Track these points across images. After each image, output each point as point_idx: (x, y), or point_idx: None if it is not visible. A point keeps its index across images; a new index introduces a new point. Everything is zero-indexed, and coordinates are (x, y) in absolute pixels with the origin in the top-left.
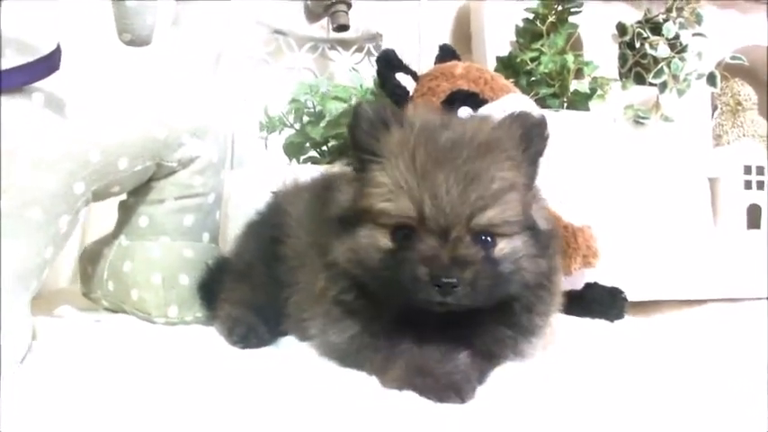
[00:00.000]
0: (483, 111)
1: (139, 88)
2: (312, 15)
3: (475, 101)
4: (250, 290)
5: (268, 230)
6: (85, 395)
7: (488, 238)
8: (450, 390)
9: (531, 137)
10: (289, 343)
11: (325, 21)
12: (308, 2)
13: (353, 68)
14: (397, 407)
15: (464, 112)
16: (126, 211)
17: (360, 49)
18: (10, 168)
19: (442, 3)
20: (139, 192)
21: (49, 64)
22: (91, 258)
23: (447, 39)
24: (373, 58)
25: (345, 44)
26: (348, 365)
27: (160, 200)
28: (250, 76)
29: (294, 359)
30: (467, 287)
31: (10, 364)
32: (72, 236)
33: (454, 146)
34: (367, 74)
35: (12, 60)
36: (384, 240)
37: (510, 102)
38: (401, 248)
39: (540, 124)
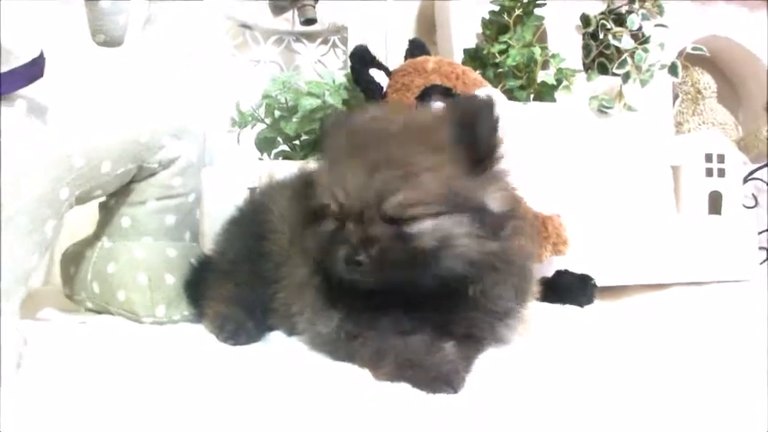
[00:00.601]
0: None
1: (117, 90)
2: (277, 9)
3: (448, 95)
4: (236, 287)
5: (251, 227)
6: (81, 398)
7: (402, 219)
8: (442, 381)
9: (470, 119)
10: (277, 338)
11: (290, 14)
12: None
13: (319, 61)
14: (391, 398)
15: (438, 107)
16: (107, 213)
17: (325, 42)
18: None
19: None
20: (121, 193)
21: (32, 71)
22: (73, 260)
23: (412, 30)
24: (338, 51)
25: (311, 37)
26: (339, 358)
27: (141, 201)
28: (218, 69)
29: (285, 354)
30: (374, 264)
31: (9, 371)
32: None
33: (370, 136)
34: (333, 66)
35: None
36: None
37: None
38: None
39: (484, 106)
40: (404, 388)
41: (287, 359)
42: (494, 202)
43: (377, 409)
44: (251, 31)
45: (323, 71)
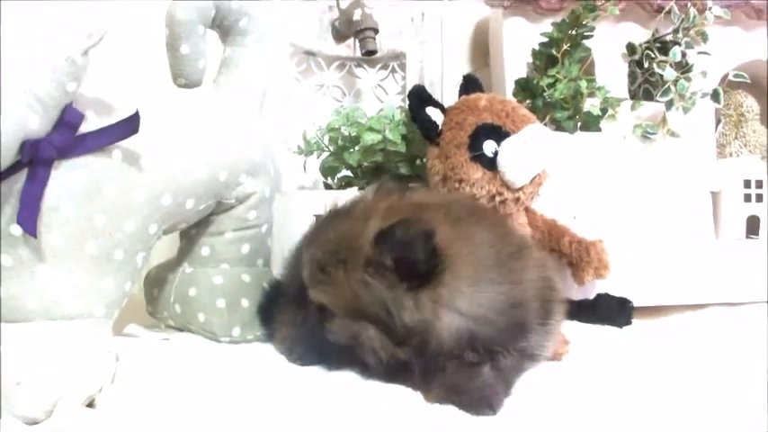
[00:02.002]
0: (505, 143)
1: (199, 133)
2: (340, 36)
3: (498, 134)
4: (302, 312)
5: None
6: (168, 408)
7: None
8: (483, 404)
9: (405, 248)
10: None
11: (351, 40)
12: (336, 23)
13: (379, 85)
14: (439, 418)
15: (489, 145)
16: (188, 241)
17: (384, 67)
18: (97, 218)
19: (462, 19)
20: (201, 224)
21: (129, 127)
22: (155, 282)
23: (466, 53)
24: (397, 76)
25: (371, 62)
26: (391, 382)
27: (219, 232)
28: (284, 95)
29: (346, 374)
30: (306, 337)
31: (104, 385)
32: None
33: (331, 226)
34: (391, 90)
35: (92, 123)
36: None
37: (529, 133)
38: None
39: (418, 236)
40: (451, 410)
41: (347, 379)
42: (406, 318)
43: (428, 427)
44: (314, 58)
45: (384, 101)
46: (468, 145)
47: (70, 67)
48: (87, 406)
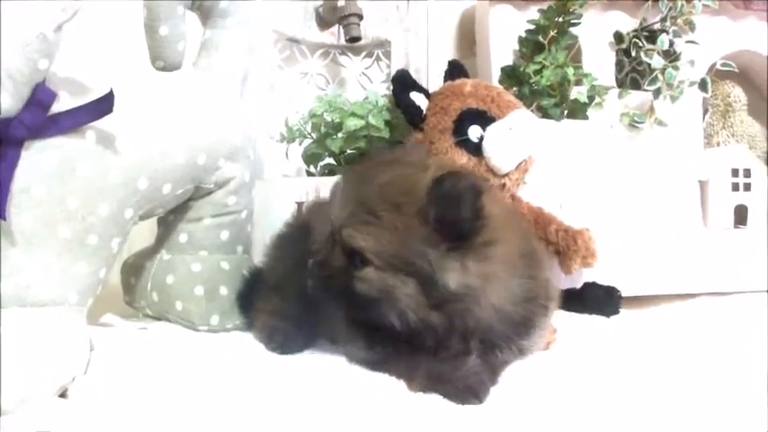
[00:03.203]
0: (490, 129)
1: (177, 115)
2: (324, 23)
3: (484, 119)
4: (282, 301)
5: (296, 244)
6: (144, 398)
7: (357, 257)
8: (469, 393)
9: (452, 202)
10: (321, 348)
11: (335, 28)
12: (320, 10)
13: (364, 73)
14: (425, 407)
15: (475, 131)
16: (166, 228)
17: (369, 55)
18: (70, 200)
19: (448, 7)
20: (178, 210)
21: (103, 107)
22: (133, 270)
23: (452, 42)
24: (382, 64)
25: (355, 50)
26: (374, 370)
27: (198, 218)
28: (267, 82)
29: (327, 363)
30: (316, 281)
31: (77, 375)
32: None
33: (371, 174)
34: (376, 78)
35: (65, 103)
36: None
37: (515, 119)
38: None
39: (467, 191)
40: (435, 398)
41: (328, 368)
42: (451, 281)
43: (413, 416)
44: (298, 45)
45: (368, 88)
46: (453, 130)
47: (42, 44)
48: (59, 396)
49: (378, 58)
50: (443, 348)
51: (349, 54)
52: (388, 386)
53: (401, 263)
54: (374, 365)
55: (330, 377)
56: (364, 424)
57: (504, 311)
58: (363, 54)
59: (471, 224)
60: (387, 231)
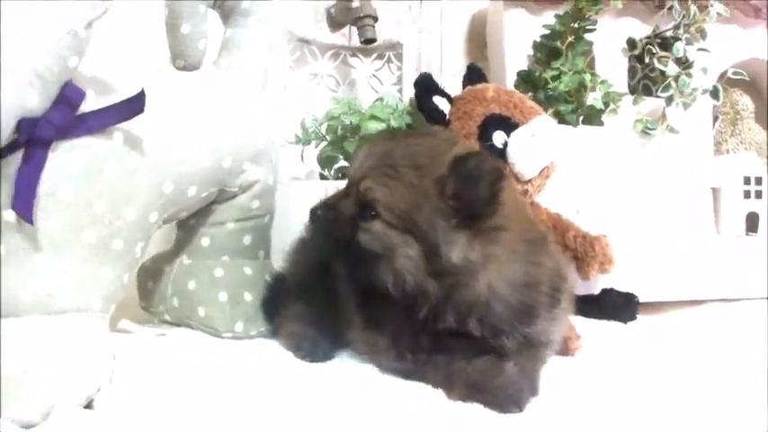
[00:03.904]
0: (514, 135)
1: (201, 116)
2: (335, 24)
3: (508, 125)
4: (308, 306)
5: (316, 248)
6: (173, 408)
7: (370, 210)
8: (510, 402)
9: (472, 180)
10: (350, 355)
11: (346, 29)
12: (332, 11)
13: (374, 75)
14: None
15: (499, 136)
16: (187, 232)
17: (380, 57)
18: (97, 204)
19: (459, 10)
20: (201, 214)
21: (134, 106)
22: (151, 274)
23: (463, 45)
24: (393, 66)
25: (366, 52)
26: (411, 379)
27: (221, 222)
28: (279, 83)
29: (359, 372)
30: (321, 225)
31: (102, 385)
32: None
33: (396, 136)
34: (387, 81)
35: (92, 102)
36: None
37: (538, 125)
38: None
39: (488, 172)
40: (475, 407)
41: (360, 377)
42: (454, 253)
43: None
44: (308, 46)
45: (379, 91)
46: (478, 135)
47: (73, 41)
48: (85, 407)
49: (389, 60)
50: (439, 320)
51: (360, 56)
52: (424, 395)
53: (409, 222)
54: (408, 375)
55: (363, 386)
56: None
57: (501, 294)
58: (374, 56)
59: (485, 206)
60: (403, 186)
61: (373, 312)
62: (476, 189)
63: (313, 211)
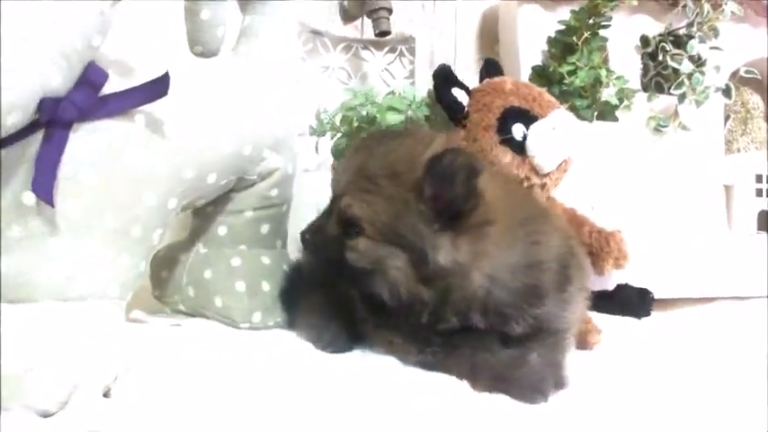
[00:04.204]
0: (534, 127)
1: (223, 102)
2: (348, 16)
3: (527, 118)
4: (325, 297)
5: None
6: (192, 398)
7: (354, 227)
8: (535, 392)
9: (447, 178)
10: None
11: (359, 22)
12: (345, 3)
13: (386, 69)
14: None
15: (518, 129)
16: (203, 220)
17: (392, 51)
18: (117, 187)
19: (471, 4)
20: (218, 202)
21: (158, 88)
22: (165, 263)
23: (474, 40)
24: (405, 60)
25: (378, 45)
26: (435, 371)
27: (239, 210)
28: (293, 75)
29: (380, 363)
30: (310, 248)
31: (120, 374)
32: None
33: (375, 144)
34: (399, 74)
35: (114, 84)
36: None
37: (557, 118)
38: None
39: (462, 168)
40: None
41: (382, 368)
42: (440, 257)
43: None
44: (321, 38)
45: (390, 84)
46: (497, 128)
47: (97, 19)
48: (103, 396)
49: (401, 54)
50: (441, 322)
51: (371, 49)
52: (449, 386)
53: (393, 234)
54: (431, 366)
55: (385, 377)
56: (431, 424)
57: (502, 280)
58: (386, 49)
59: (464, 202)
60: (383, 200)
61: (382, 315)
62: (452, 187)
63: (302, 236)
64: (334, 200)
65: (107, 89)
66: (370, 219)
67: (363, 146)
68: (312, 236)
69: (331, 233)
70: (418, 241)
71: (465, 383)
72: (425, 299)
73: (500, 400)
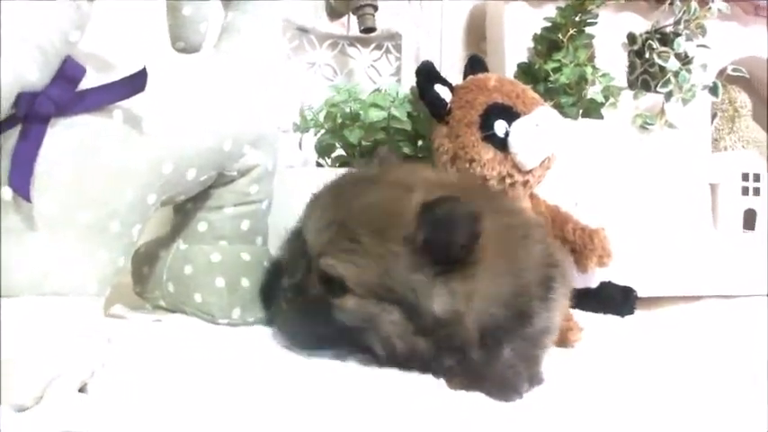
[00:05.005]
0: (516, 124)
1: (203, 97)
2: (334, 13)
3: (510, 114)
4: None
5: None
6: (168, 393)
7: (338, 286)
8: (509, 389)
9: (446, 227)
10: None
11: (345, 19)
12: (331, 0)
13: (372, 66)
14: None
15: (501, 126)
16: (183, 216)
17: (379, 48)
18: (94, 182)
19: (459, 3)
20: (198, 198)
21: (136, 84)
22: (145, 259)
23: (461, 37)
24: (391, 57)
25: (365, 42)
26: (411, 370)
27: (219, 206)
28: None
29: (358, 360)
30: (292, 310)
31: (96, 369)
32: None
33: (354, 190)
34: (385, 71)
35: (93, 79)
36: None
37: (540, 115)
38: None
39: (462, 217)
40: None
41: (359, 365)
42: (437, 306)
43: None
44: (307, 35)
45: (377, 81)
46: (480, 124)
47: (75, 14)
48: (79, 391)
49: (387, 51)
50: (435, 365)
51: (358, 45)
52: (423, 385)
53: (384, 291)
54: (411, 365)
55: (363, 374)
56: (408, 423)
57: (494, 315)
58: (372, 46)
59: (466, 251)
60: (369, 259)
61: None
62: (452, 236)
63: (284, 296)
64: (311, 257)
65: (85, 84)
66: (358, 279)
67: (337, 196)
68: (294, 295)
69: (314, 292)
70: (411, 294)
71: (442, 382)
72: (422, 350)
73: (476, 399)
